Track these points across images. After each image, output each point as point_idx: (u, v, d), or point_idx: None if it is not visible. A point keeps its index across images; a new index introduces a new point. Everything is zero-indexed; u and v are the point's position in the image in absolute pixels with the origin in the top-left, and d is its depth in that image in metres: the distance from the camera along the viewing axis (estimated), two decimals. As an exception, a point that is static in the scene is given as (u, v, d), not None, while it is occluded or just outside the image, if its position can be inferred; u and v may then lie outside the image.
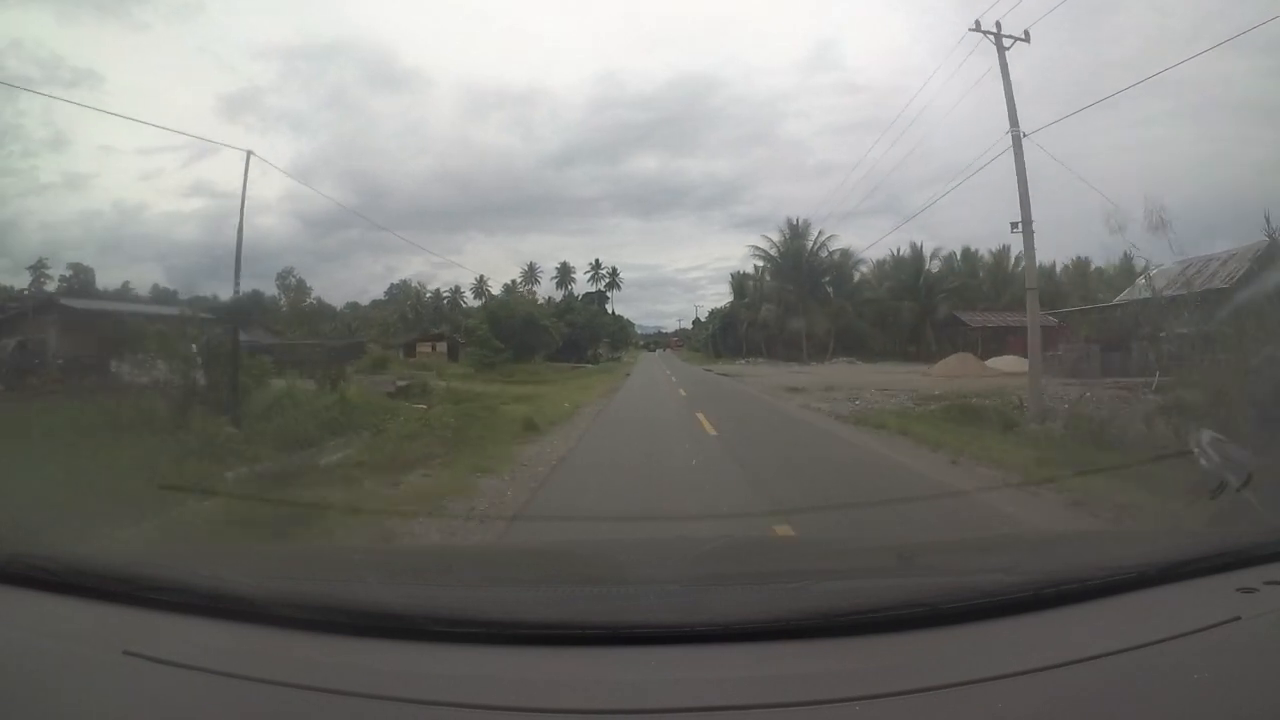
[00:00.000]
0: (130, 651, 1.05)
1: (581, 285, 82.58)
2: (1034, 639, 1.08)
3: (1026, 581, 1.20)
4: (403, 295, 35.57)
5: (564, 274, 74.86)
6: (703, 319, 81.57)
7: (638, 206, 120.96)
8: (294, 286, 41.43)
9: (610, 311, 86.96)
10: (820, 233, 45.98)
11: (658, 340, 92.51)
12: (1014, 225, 13.08)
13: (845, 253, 46.73)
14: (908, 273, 44.54)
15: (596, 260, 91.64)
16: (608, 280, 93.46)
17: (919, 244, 44.22)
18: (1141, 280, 14.25)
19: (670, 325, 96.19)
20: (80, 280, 39.09)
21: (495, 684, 0.98)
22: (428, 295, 43.41)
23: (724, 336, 56.63)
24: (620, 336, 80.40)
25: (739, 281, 55.97)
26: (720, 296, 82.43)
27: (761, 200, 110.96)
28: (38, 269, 40.25)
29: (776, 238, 48.50)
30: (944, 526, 4.76)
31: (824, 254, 46.86)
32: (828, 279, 47.15)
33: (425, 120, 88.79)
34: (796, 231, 47.67)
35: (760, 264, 51.86)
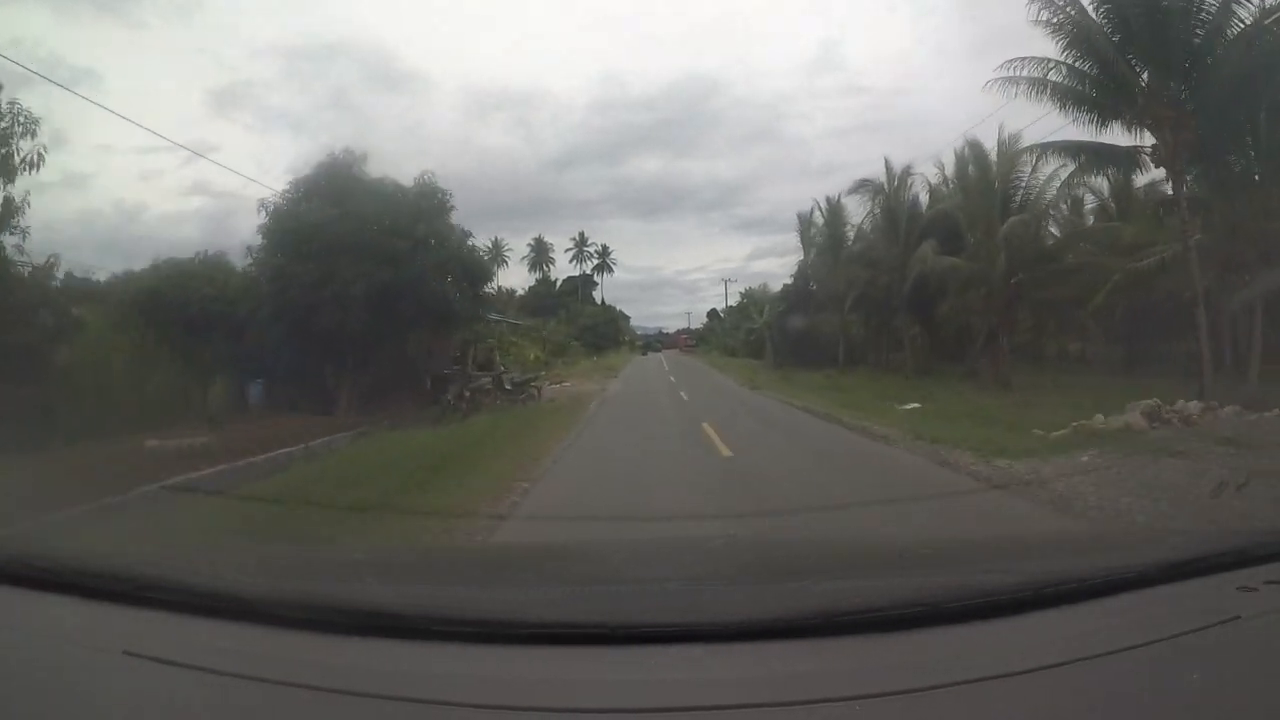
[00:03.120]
0: (130, 651, 1.05)
1: (564, 269, 67.53)
2: (1034, 639, 1.07)
3: (1026, 581, 1.20)
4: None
5: (540, 251, 57.37)
6: (721, 312, 63.50)
7: (638, 208, 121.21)
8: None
9: (601, 301, 68.84)
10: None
11: (660, 339, 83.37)
12: None
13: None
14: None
15: (581, 234, 71.35)
16: (596, 261, 72.38)
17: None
18: None
19: (672, 326, 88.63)
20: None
21: (495, 683, 0.98)
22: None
23: (784, 330, 33.25)
24: (606, 330, 61.19)
25: (829, 220, 29.28)
26: (716, 299, 72.91)
27: (763, 203, 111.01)
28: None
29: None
30: None
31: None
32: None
33: (425, 121, 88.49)
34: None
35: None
